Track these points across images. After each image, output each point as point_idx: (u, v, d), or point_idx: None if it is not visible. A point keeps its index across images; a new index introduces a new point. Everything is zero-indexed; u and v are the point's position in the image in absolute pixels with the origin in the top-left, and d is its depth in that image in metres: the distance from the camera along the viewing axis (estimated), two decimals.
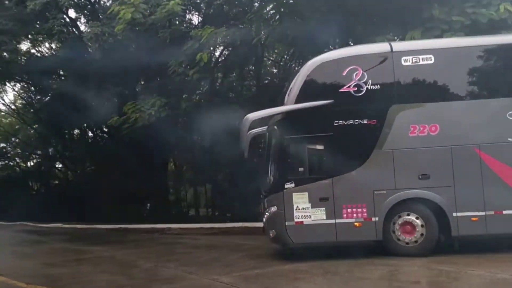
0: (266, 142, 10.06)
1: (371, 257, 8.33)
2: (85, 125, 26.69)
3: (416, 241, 8.37)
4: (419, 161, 8.52)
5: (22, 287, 7.98)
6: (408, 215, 8.45)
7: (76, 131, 29.34)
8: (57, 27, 18.98)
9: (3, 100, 31.94)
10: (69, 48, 22.73)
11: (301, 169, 8.93)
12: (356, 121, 8.77)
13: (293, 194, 8.66)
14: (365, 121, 8.75)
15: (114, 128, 19.22)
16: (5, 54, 22.34)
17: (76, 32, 21.82)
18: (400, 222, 8.44)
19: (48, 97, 27.30)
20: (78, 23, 22.89)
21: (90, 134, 28.80)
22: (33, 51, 26.07)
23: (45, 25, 19.43)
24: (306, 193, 8.67)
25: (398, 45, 9.42)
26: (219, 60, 19.80)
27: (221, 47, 20.52)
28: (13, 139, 34.43)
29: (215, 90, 19.91)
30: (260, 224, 10.03)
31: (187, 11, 19.53)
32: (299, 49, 19.12)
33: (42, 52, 26.50)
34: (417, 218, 8.40)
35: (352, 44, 15.11)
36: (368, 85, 8.75)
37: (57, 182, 35.42)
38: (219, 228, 16.67)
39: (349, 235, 8.52)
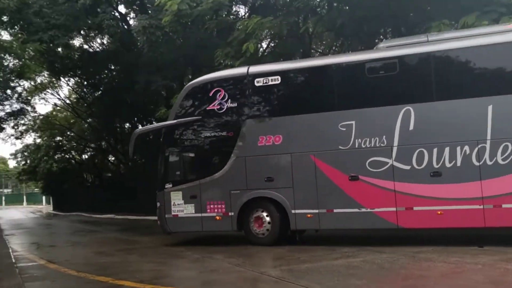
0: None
1: (427, 253, 7.99)
2: (135, 118, 27.22)
3: (263, 234, 10.07)
4: (265, 166, 10.08)
5: (73, 275, 8.10)
6: (261, 211, 10.07)
7: (127, 125, 29.97)
8: (106, 21, 19.32)
9: (59, 95, 33.18)
10: (119, 42, 23.28)
11: (177, 173, 11.11)
12: (218, 134, 10.71)
13: (171, 192, 10.81)
14: (224, 133, 10.62)
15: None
16: (59, 49, 23.12)
17: (126, 27, 22.24)
18: (254, 216, 10.12)
19: (100, 91, 28.00)
20: (128, 17, 23.37)
21: (140, 127, 29.40)
22: (85, 46, 26.82)
23: (95, 20, 19.82)
24: (181, 192, 10.75)
25: (253, 68, 10.85)
26: (266, 51, 19.50)
27: (268, 39, 20.34)
28: (68, 132, 35.58)
29: None
30: None
31: (233, 2, 19.40)
32: (348, 39, 18.56)
33: (94, 47, 27.19)
34: (266, 214, 10.02)
35: (404, 32, 14.49)
36: (228, 103, 10.57)
37: (109, 174, 36.41)
38: None
39: (213, 226, 10.47)
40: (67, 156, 38.18)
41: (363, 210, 9.23)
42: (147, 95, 20.39)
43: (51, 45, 20.30)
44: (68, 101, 33.70)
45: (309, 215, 9.65)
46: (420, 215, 8.89)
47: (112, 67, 26.62)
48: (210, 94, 10.78)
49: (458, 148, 8.70)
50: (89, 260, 10.16)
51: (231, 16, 19.34)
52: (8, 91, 23.53)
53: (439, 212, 8.74)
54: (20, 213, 44.96)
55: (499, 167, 8.45)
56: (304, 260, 8.03)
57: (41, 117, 34.66)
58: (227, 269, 7.65)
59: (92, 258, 10.59)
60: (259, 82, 10.37)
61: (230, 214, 10.26)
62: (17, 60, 22.77)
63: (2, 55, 18.32)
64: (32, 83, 29.63)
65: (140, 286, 6.65)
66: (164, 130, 11.57)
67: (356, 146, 9.39)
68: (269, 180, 10.01)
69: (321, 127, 9.79)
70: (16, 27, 21.06)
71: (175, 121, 11.16)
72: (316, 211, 9.58)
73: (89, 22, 20.90)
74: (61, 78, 28.95)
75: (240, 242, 10.59)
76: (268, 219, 10.04)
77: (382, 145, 9.24)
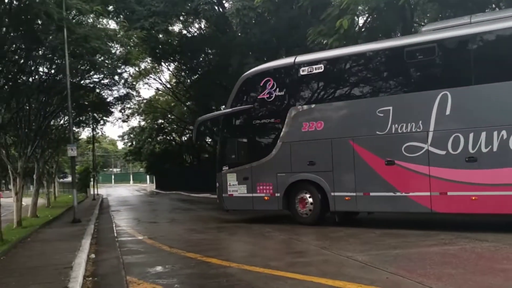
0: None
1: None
2: None
3: (306, 214, 10.77)
4: (308, 150, 10.66)
5: (165, 250, 8.41)
6: (305, 193, 10.77)
7: (223, 106, 30.60)
8: (202, 6, 19.69)
9: (160, 79, 34.87)
10: (214, 25, 23.70)
11: (233, 156, 12.14)
12: (267, 120, 11.60)
13: (227, 174, 12.06)
14: (272, 120, 11.45)
15: None
16: (160, 35, 24.12)
17: (221, 10, 22.53)
18: (298, 197, 10.88)
19: (197, 75, 28.86)
20: (223, 1, 23.63)
21: None
22: (184, 31, 27.73)
23: (192, 5, 20.29)
24: (235, 174, 11.88)
25: (300, 58, 11.43)
26: (363, 28, 18.59)
27: (366, 15, 19.36)
28: (169, 115, 37.31)
29: None
30: None
31: None
32: (454, 10, 17.03)
33: (191, 32, 28.01)
34: (309, 196, 10.70)
35: None
36: (277, 92, 11.36)
37: (207, 155, 37.68)
38: None
39: (262, 205, 11.47)
40: (168, 138, 40.13)
41: (398, 194, 9.43)
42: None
43: (152, 31, 21.23)
44: (168, 86, 35.31)
45: (347, 198, 10.11)
46: (454, 200, 8.84)
47: (209, 51, 27.27)
48: (261, 84, 11.65)
49: (495, 133, 8.45)
50: (182, 237, 10.53)
51: None
52: (116, 77, 25.02)
53: (473, 198, 8.60)
54: (127, 191, 48.63)
55: None
56: (394, 245, 7.52)
57: (144, 101, 36.86)
58: (313, 252, 7.42)
59: (186, 234, 10.96)
60: (304, 71, 11.01)
61: (276, 195, 11.14)
62: (123, 48, 24.23)
63: (110, 43, 19.51)
64: (137, 69, 31.35)
65: (226, 264, 6.68)
66: (222, 118, 12.99)
67: (393, 131, 9.55)
68: (311, 164, 10.62)
69: (359, 113, 10.15)
70: (121, 16, 22.34)
71: (230, 109, 12.29)
72: (354, 194, 10.00)
73: (187, 7, 21.51)
74: (162, 63, 30.27)
75: (328, 225, 10.32)
76: (310, 200, 10.72)
77: (418, 130, 9.29)
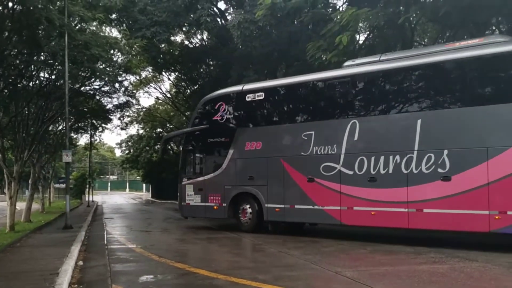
0: None
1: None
2: None
3: (247, 222, 12.43)
4: (249, 167, 12.30)
5: (154, 260, 8.36)
6: (246, 204, 12.41)
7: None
8: (203, 17, 19.83)
9: (161, 89, 34.95)
10: (216, 37, 23.85)
11: (191, 170, 14.00)
12: (219, 139, 13.20)
13: (186, 185, 13.73)
14: (223, 139, 13.04)
15: None
16: (162, 45, 24.27)
17: (223, 22, 22.70)
18: (241, 208, 12.52)
19: (197, 86, 28.95)
20: (226, 13, 23.82)
21: None
22: (186, 42, 27.90)
23: (194, 16, 20.44)
24: (192, 185, 13.56)
25: (247, 86, 13.20)
26: (363, 45, 18.70)
27: (367, 32, 19.51)
28: (168, 124, 37.32)
29: None
30: None
31: None
32: (454, 30, 17.17)
33: (193, 43, 28.18)
34: (248, 206, 12.33)
35: None
36: (227, 114, 13.06)
37: None
38: None
39: (212, 214, 13.14)
40: (167, 147, 39.98)
41: (316, 207, 10.90)
42: None
43: (153, 41, 21.37)
44: (168, 95, 35.37)
45: (277, 209, 11.70)
46: (358, 214, 10.24)
47: (210, 62, 27.40)
48: (216, 107, 13.36)
49: (391, 157, 9.87)
50: (172, 247, 10.47)
51: (329, 9, 18.80)
52: (116, 85, 25.08)
53: (372, 213, 10.00)
54: (122, 198, 48.46)
55: (423, 175, 9.43)
56: (384, 262, 7.48)
57: (144, 109, 36.86)
58: (302, 266, 7.36)
59: (176, 244, 10.90)
60: (249, 97, 12.59)
61: (223, 205, 12.75)
62: (124, 56, 24.34)
63: (111, 51, 19.61)
64: (137, 77, 31.41)
65: (214, 276, 6.63)
66: (184, 136, 14.78)
67: (314, 152, 11.09)
68: (251, 178, 12.26)
69: (289, 136, 11.82)
70: (123, 24, 22.49)
71: (190, 128, 14.28)
72: (283, 206, 11.57)
73: (189, 18, 21.67)
74: (163, 72, 30.35)
75: (318, 242, 10.30)
76: (250, 210, 12.36)
77: (333, 152, 10.81)
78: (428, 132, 9.51)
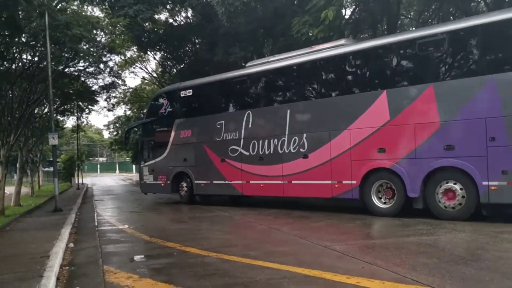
0: None
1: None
2: None
3: (182, 196, 15.50)
4: (184, 151, 15.08)
5: (145, 240, 8.39)
6: (184, 182, 15.31)
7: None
8: None
9: (146, 68, 34.52)
10: (200, 14, 23.50)
11: (146, 154, 16.86)
12: (163, 129, 15.79)
13: (143, 167, 16.79)
14: (166, 129, 15.65)
15: None
16: (145, 24, 23.85)
17: None
18: (179, 184, 15.43)
19: (183, 64, 28.62)
20: None
21: None
22: (170, 20, 27.44)
23: None
24: (147, 167, 16.48)
25: (182, 84, 16.10)
26: (350, 20, 18.55)
27: (353, 6, 19.33)
28: None
29: None
30: None
31: None
32: (439, 3, 17.11)
33: (178, 21, 27.72)
34: (185, 184, 15.26)
35: None
36: (168, 108, 15.77)
37: None
38: None
39: (161, 190, 16.13)
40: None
41: (226, 182, 13.61)
42: (226, 66, 20.46)
43: (137, 19, 20.97)
44: (155, 75, 34.96)
45: (202, 185, 14.52)
46: (253, 186, 12.91)
47: (195, 40, 27.04)
48: (161, 102, 16.30)
49: (272, 141, 12.35)
50: (163, 226, 10.52)
51: None
52: (101, 66, 24.70)
53: (261, 185, 12.63)
54: (112, 180, 48.30)
55: (291, 154, 11.80)
56: (372, 235, 7.60)
57: (130, 90, 36.45)
58: (292, 241, 7.44)
59: (167, 224, 10.95)
60: (182, 94, 15.32)
61: (168, 182, 15.55)
62: (108, 36, 23.89)
63: (95, 31, 19.23)
64: (122, 57, 30.93)
65: (205, 254, 6.67)
66: (140, 126, 18.38)
67: (224, 138, 13.72)
68: (185, 160, 15.02)
69: (209, 125, 14.29)
70: (105, 3, 22.02)
71: (143, 120, 17.64)
72: (206, 181, 14.36)
73: None
74: (148, 52, 29.91)
75: (308, 218, 10.40)
76: (185, 185, 15.26)
77: (235, 137, 13.39)
78: (294, 120, 11.88)
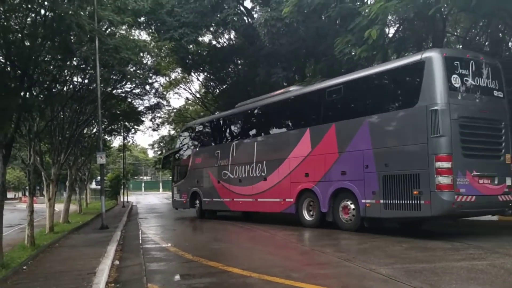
0: None
1: None
2: None
3: (197, 211, 18.55)
4: (196, 175, 18.29)
5: (188, 258, 8.44)
6: (195, 198, 18.44)
7: None
8: (230, 17, 19.89)
9: (190, 89, 35.28)
10: (243, 36, 23.87)
11: (175, 177, 20.46)
12: (186, 157, 19.38)
13: (174, 187, 20.45)
14: (187, 157, 19.18)
15: None
16: (190, 46, 24.48)
17: (250, 21, 22.71)
18: (194, 201, 18.47)
19: (225, 85, 29.07)
20: (253, 12, 23.83)
21: None
22: (213, 42, 28.06)
23: (221, 16, 20.51)
24: (176, 187, 20.00)
25: (197, 120, 21.51)
26: (393, 38, 18.32)
27: (397, 25, 19.11)
28: None
29: None
30: None
31: None
32: (487, 19, 16.61)
33: (221, 43, 28.30)
34: (197, 201, 18.35)
35: None
36: (189, 140, 19.60)
37: None
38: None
39: (184, 206, 19.28)
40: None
41: (220, 199, 16.51)
42: (268, 86, 20.62)
43: (181, 42, 21.59)
44: (198, 95, 35.66)
45: (207, 202, 17.49)
46: (236, 203, 15.70)
47: (237, 61, 27.46)
48: (185, 134, 20.36)
49: (246, 166, 15.12)
50: (205, 245, 10.57)
51: (356, 3, 18.53)
52: (147, 87, 25.51)
53: (240, 202, 15.42)
54: (156, 198, 49.21)
55: (256, 177, 14.52)
56: (421, 259, 7.30)
57: (174, 110, 37.27)
58: (335, 263, 7.26)
59: (209, 243, 10.98)
60: (197, 128, 19.52)
61: (187, 200, 18.75)
62: (153, 58, 24.63)
63: (141, 54, 19.92)
64: (167, 79, 31.80)
65: (247, 274, 6.62)
66: (171, 154, 21.77)
67: (219, 164, 16.66)
68: (197, 182, 18.19)
69: (211, 154, 17.40)
70: (152, 27, 22.81)
71: (174, 149, 21.46)
72: (209, 199, 17.34)
73: (216, 18, 21.80)
74: (192, 73, 30.63)
75: (351, 239, 10.18)
76: (197, 202, 18.24)
77: (225, 164, 16.22)
78: (259, 150, 14.64)
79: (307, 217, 12.51)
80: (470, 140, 9.60)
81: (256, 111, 15.72)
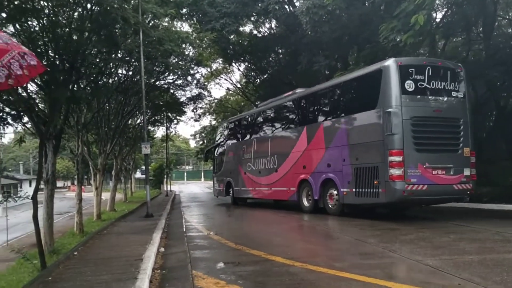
0: None
1: None
2: None
3: (231, 198, 20.85)
4: (230, 166, 20.55)
5: (231, 247, 8.53)
6: (230, 187, 20.57)
7: None
8: (271, 5, 19.75)
9: (231, 79, 35.46)
10: (284, 25, 23.68)
11: (216, 168, 22.63)
12: (223, 150, 21.59)
13: (214, 178, 22.96)
14: (224, 150, 21.48)
15: None
16: (231, 36, 24.56)
17: (291, 9, 22.50)
18: (229, 190, 20.63)
19: (266, 75, 29.01)
20: (294, 1, 23.59)
21: None
22: (254, 32, 28.01)
23: (262, 5, 20.42)
24: (216, 178, 22.54)
25: (231, 118, 23.75)
26: (441, 23, 17.68)
27: (445, 9, 18.43)
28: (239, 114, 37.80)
29: (435, 56, 17.95)
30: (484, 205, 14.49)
31: None
32: None
33: (262, 32, 28.20)
34: (230, 189, 20.52)
35: None
36: (225, 135, 21.99)
37: None
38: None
39: (221, 194, 21.49)
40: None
41: (246, 188, 18.63)
42: (309, 75, 20.41)
43: (223, 32, 21.69)
44: (239, 85, 35.79)
45: (237, 190, 19.62)
46: (257, 191, 17.72)
47: (278, 50, 27.32)
48: (221, 130, 22.87)
49: (263, 159, 17.09)
50: (247, 234, 10.67)
51: None
52: (189, 78, 25.85)
53: (260, 191, 17.46)
54: (198, 188, 49.98)
55: (271, 169, 16.44)
56: (469, 251, 7.06)
57: (215, 100, 37.62)
58: (380, 254, 7.13)
59: (251, 232, 11.10)
60: (230, 125, 21.61)
61: (223, 188, 20.99)
62: (195, 49, 24.85)
63: (184, 45, 20.16)
64: (208, 69, 32.11)
65: (289, 263, 6.61)
66: (212, 148, 24.09)
67: (245, 157, 18.67)
68: (230, 173, 20.29)
69: (238, 148, 19.63)
70: (194, 18, 23.01)
71: (214, 144, 23.88)
72: (239, 188, 19.46)
73: (257, 7, 21.73)
74: (233, 63, 30.76)
75: (396, 230, 9.98)
76: (231, 190, 20.35)
77: (249, 157, 18.30)
78: (272, 145, 16.54)
79: (306, 203, 14.28)
80: (423, 136, 10.92)
81: (268, 111, 17.73)
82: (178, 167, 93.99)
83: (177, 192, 39.80)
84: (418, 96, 11.15)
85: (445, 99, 11.49)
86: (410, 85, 11.06)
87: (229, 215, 16.59)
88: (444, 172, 11.05)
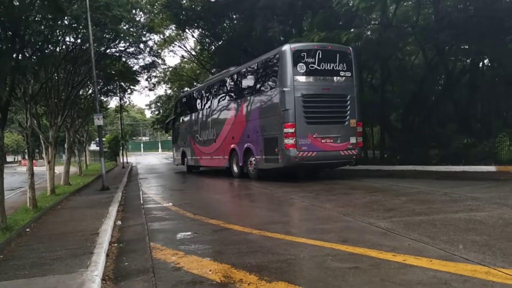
0: None
1: None
2: None
3: (185, 166, 23.17)
4: (184, 137, 22.60)
5: (189, 217, 8.54)
6: (184, 157, 22.83)
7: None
8: None
9: (185, 47, 34.71)
10: None
11: (174, 139, 24.93)
12: (178, 123, 23.94)
13: (173, 147, 25.43)
14: (179, 123, 23.73)
15: None
16: (183, 1, 23.86)
17: None
18: (184, 158, 22.83)
19: (221, 41, 28.54)
20: None
21: None
22: None
23: None
24: (174, 148, 25.01)
25: (183, 93, 28.66)
26: None
27: None
28: (195, 83, 37.30)
29: (386, 21, 18.17)
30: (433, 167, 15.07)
31: None
32: None
33: None
34: (185, 158, 22.83)
35: None
36: (180, 108, 24.25)
37: None
38: (386, 171, 15.72)
39: (178, 162, 23.77)
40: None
41: (196, 157, 20.68)
42: (264, 42, 20.24)
43: None
44: (193, 53, 35.11)
45: (189, 159, 21.72)
46: (203, 160, 19.95)
47: (233, 16, 26.84)
48: (177, 104, 25.15)
49: (206, 131, 19.02)
50: (206, 204, 10.69)
51: None
52: (141, 45, 25.04)
53: (204, 159, 19.61)
54: (156, 159, 49.42)
55: (211, 140, 18.59)
56: (419, 212, 7.38)
57: (170, 69, 36.88)
58: (334, 218, 7.34)
59: (210, 202, 11.11)
60: (183, 99, 24.01)
61: (179, 157, 23.21)
62: (146, 15, 24.02)
63: (134, 11, 19.42)
64: (161, 36, 31.27)
65: (248, 231, 6.70)
66: (171, 121, 25.67)
67: (193, 129, 20.75)
68: (184, 144, 22.33)
69: (189, 121, 21.65)
70: None
71: (171, 118, 26.09)
72: (190, 157, 21.54)
73: None
74: (186, 30, 30.03)
75: (351, 194, 10.25)
76: (185, 160, 22.38)
77: (197, 129, 20.39)
78: (212, 118, 18.50)
79: (235, 170, 16.26)
80: (312, 111, 12.98)
81: (208, 87, 19.51)
82: (134, 138, 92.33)
83: (134, 164, 39.21)
84: (309, 77, 13.14)
85: (334, 78, 13.43)
86: (301, 67, 13.04)
87: (185, 185, 16.59)
88: (332, 141, 13.20)
